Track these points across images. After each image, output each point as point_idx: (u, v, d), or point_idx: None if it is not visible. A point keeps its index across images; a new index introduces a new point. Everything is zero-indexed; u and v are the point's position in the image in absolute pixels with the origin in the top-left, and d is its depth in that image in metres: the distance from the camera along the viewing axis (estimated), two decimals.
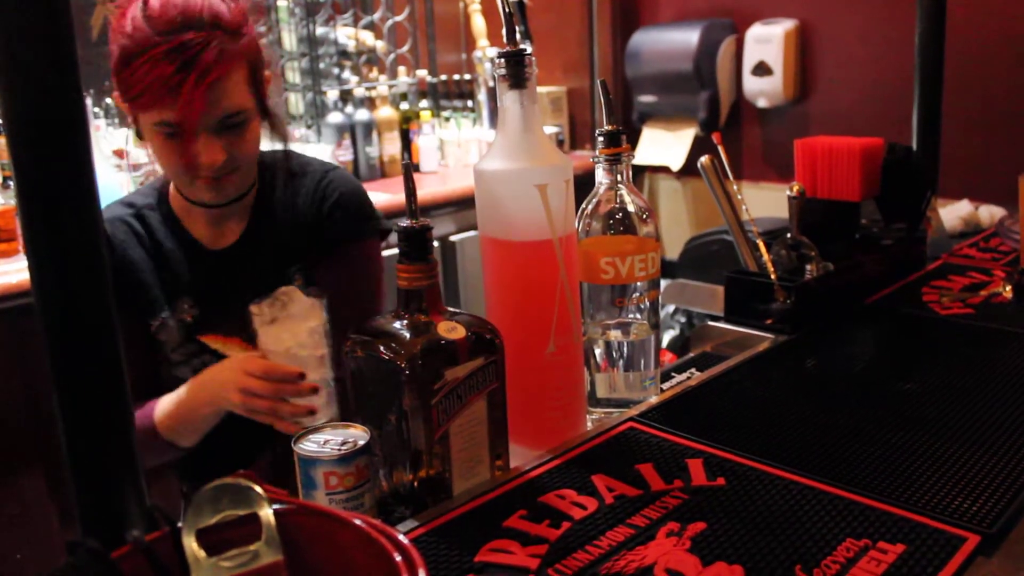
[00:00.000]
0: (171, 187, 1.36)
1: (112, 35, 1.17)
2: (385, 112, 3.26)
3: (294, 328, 1.22)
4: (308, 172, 1.40)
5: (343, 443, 0.83)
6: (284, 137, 1.37)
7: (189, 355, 1.33)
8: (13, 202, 2.15)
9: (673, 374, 1.23)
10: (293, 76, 3.16)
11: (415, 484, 0.85)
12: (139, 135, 1.26)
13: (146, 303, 1.32)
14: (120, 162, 2.45)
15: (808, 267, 1.37)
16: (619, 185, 1.05)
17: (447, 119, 3.44)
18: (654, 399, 1.08)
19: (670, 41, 3.12)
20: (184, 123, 1.17)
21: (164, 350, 1.33)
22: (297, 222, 1.37)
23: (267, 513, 0.55)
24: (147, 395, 1.29)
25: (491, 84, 3.39)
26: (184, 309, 1.33)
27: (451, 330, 0.85)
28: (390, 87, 3.36)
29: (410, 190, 0.86)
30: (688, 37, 3.04)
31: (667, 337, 2.79)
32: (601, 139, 1.04)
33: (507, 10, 0.94)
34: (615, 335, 1.06)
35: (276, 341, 1.21)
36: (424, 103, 3.40)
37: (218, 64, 1.15)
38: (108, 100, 2.76)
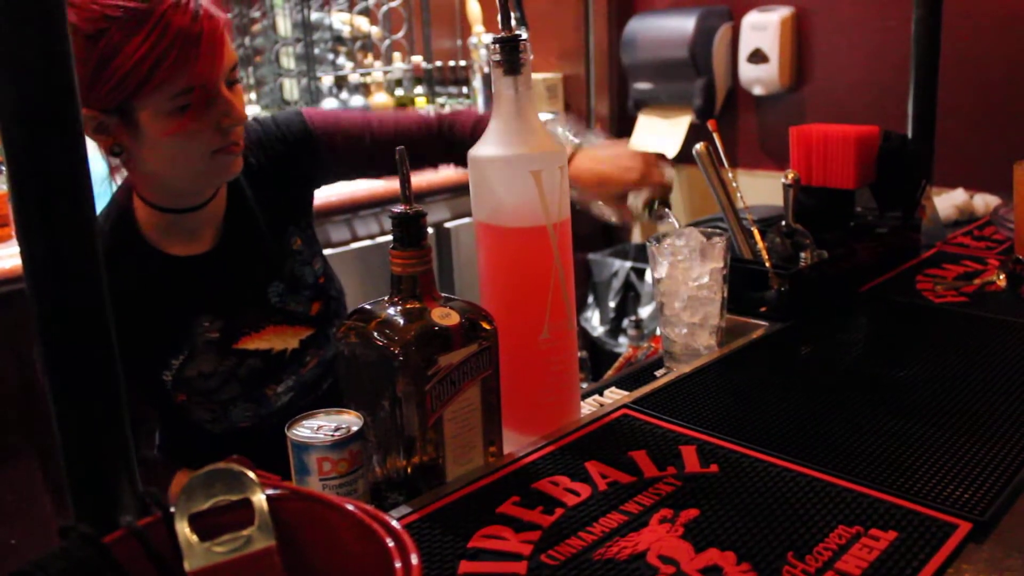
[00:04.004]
0: (136, 210, 1.21)
1: (85, 26, 1.01)
2: (380, 98, 3.25)
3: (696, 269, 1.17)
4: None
5: (336, 429, 0.84)
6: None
7: (233, 367, 1.22)
8: (6, 187, 2.14)
9: (665, 361, 1.23)
10: (288, 62, 3.14)
11: (408, 470, 0.85)
12: (115, 152, 1.13)
13: (164, 347, 1.19)
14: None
15: (803, 255, 1.37)
16: None
17: (442, 105, 3.43)
18: (647, 387, 1.08)
19: (666, 28, 3.11)
20: (210, 76, 1.06)
21: (195, 384, 1.21)
22: (264, 180, 1.27)
23: (260, 498, 0.56)
24: (184, 445, 1.27)
25: (486, 70, 3.38)
26: (205, 328, 1.21)
27: (445, 316, 0.85)
28: (385, 73, 3.35)
29: (404, 176, 0.86)
30: (684, 24, 3.03)
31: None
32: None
33: None
34: None
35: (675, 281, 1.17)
36: (419, 89, 3.39)
37: (217, 2, 1.07)
38: None
